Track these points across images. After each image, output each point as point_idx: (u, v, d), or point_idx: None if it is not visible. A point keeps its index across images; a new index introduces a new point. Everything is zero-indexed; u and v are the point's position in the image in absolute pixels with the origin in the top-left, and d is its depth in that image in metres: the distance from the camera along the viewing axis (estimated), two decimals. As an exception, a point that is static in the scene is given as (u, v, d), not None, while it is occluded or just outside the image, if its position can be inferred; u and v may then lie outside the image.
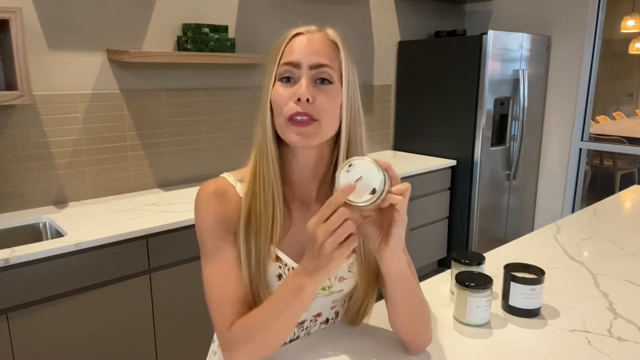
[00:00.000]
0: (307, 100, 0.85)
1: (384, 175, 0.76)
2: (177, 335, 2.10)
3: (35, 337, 1.72)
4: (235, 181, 0.95)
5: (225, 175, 0.97)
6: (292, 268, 0.92)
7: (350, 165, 0.77)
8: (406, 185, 0.78)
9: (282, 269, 0.92)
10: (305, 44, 0.88)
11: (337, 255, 0.74)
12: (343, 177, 0.77)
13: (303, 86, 0.86)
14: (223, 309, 0.88)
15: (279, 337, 0.85)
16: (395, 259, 0.84)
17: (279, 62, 0.89)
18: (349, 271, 0.97)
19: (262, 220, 0.90)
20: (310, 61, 0.87)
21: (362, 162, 0.76)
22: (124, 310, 1.92)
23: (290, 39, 0.90)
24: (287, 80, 0.88)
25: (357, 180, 0.75)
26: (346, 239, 0.74)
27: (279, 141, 0.92)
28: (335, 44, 0.90)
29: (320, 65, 0.87)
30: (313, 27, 0.92)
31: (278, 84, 0.89)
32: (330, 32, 0.92)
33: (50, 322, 1.75)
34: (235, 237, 0.91)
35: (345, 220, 0.74)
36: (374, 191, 0.75)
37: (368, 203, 0.75)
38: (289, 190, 0.96)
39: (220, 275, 0.89)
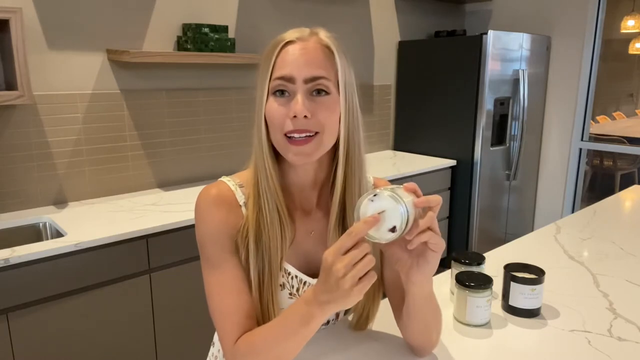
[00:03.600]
0: (305, 116, 0.81)
1: (407, 210, 0.72)
2: (177, 335, 2.10)
3: (35, 337, 1.72)
4: (236, 187, 0.92)
5: (224, 179, 0.94)
6: (296, 277, 0.92)
7: (375, 195, 0.73)
8: (431, 218, 0.74)
9: (286, 277, 0.91)
10: (297, 55, 0.83)
11: (356, 291, 0.70)
12: (365, 206, 0.73)
13: (299, 103, 0.81)
14: (228, 323, 0.86)
15: (292, 350, 0.82)
16: (426, 283, 0.82)
17: (270, 75, 0.84)
18: None
19: (271, 236, 0.87)
20: (305, 74, 0.82)
21: (387, 196, 0.72)
22: (124, 310, 1.92)
23: (282, 49, 0.84)
24: (282, 93, 0.83)
25: (379, 213, 0.71)
26: (365, 273, 0.71)
27: (277, 153, 0.89)
28: (330, 50, 0.85)
29: (316, 78, 0.82)
30: (306, 31, 0.86)
31: (272, 98, 0.84)
32: (324, 35, 0.87)
33: (50, 322, 1.75)
34: (236, 245, 0.88)
35: (366, 254, 0.70)
36: (394, 229, 0.71)
37: (386, 241, 0.73)
38: (290, 199, 0.93)
39: (225, 287, 0.87)
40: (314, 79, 0.82)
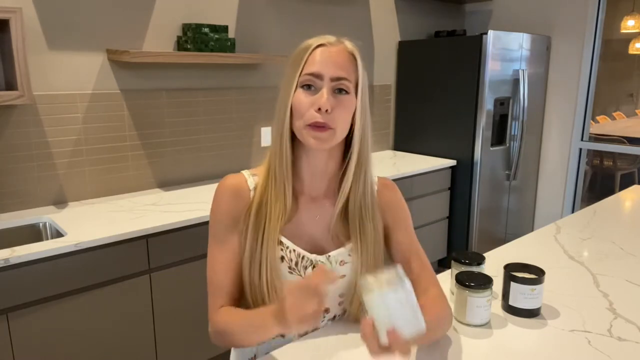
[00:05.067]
0: (326, 110, 0.93)
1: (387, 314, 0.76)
2: (177, 335, 2.10)
3: (35, 337, 1.73)
4: (249, 175, 1.07)
5: (243, 171, 1.09)
6: (294, 251, 1.02)
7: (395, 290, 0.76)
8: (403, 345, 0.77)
9: (284, 251, 1.02)
10: (327, 56, 0.96)
11: (300, 325, 0.81)
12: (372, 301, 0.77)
13: (324, 97, 0.94)
14: (216, 295, 1.02)
15: (248, 343, 1.01)
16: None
17: (301, 71, 0.96)
18: (349, 255, 1.04)
19: (271, 211, 1.00)
20: (332, 74, 0.95)
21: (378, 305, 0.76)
22: (124, 310, 1.92)
23: (314, 49, 0.97)
24: (308, 87, 0.96)
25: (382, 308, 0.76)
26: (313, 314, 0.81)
27: (294, 141, 1.01)
28: (354, 56, 0.99)
29: (340, 78, 0.96)
30: (332, 39, 0.99)
31: (300, 90, 0.97)
32: (348, 44, 1.00)
33: (50, 322, 1.75)
34: (240, 227, 1.02)
35: (314, 297, 0.80)
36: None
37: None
38: (299, 185, 1.05)
39: (221, 262, 1.02)
40: (338, 78, 0.96)
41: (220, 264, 1.02)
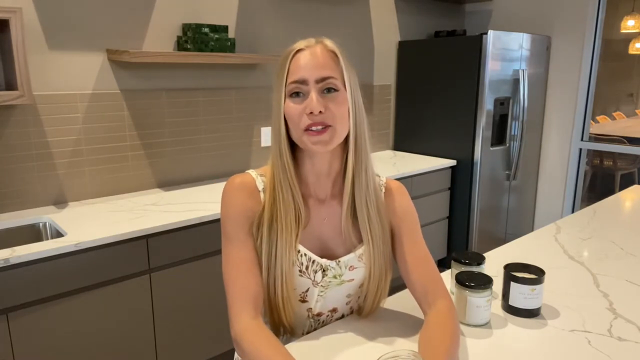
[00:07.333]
0: (320, 112, 0.93)
1: None
2: (177, 335, 2.10)
3: (35, 337, 1.73)
4: (257, 175, 1.05)
5: (249, 171, 1.07)
6: (305, 255, 1.02)
7: None
8: None
9: (296, 256, 1.02)
10: (308, 59, 0.95)
11: None
12: None
13: (314, 100, 0.93)
14: (237, 298, 0.96)
15: None
16: None
17: (286, 80, 0.96)
18: (359, 260, 1.05)
19: (285, 222, 0.99)
20: (316, 76, 0.94)
21: None
22: (124, 310, 1.92)
23: (293, 56, 0.97)
24: (297, 95, 0.96)
25: None
26: None
27: (294, 147, 1.01)
28: (335, 54, 0.98)
29: (325, 78, 0.95)
30: (312, 40, 0.98)
31: (288, 100, 0.96)
32: (328, 43, 0.99)
33: (50, 322, 1.75)
34: (251, 225, 1.01)
35: None
36: None
37: None
38: (306, 189, 1.05)
39: (237, 262, 0.98)
40: (323, 79, 0.95)
41: (241, 263, 0.98)
